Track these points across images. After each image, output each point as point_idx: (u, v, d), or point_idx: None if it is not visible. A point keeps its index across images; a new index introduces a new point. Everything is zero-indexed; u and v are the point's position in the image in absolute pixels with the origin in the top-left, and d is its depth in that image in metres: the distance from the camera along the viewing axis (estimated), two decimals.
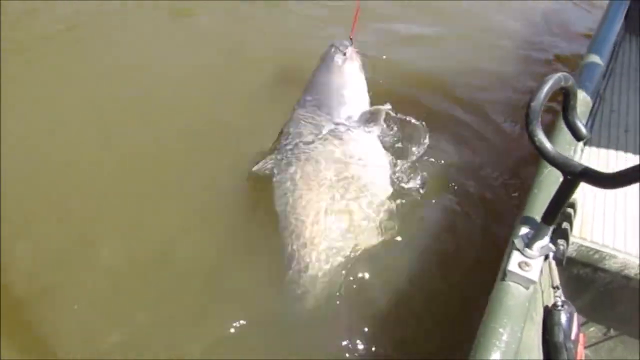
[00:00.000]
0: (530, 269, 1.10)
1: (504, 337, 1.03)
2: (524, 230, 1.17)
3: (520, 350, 1.20)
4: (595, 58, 1.94)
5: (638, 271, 1.50)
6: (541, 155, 1.01)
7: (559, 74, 1.01)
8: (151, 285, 1.78)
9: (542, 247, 1.12)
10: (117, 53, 2.97)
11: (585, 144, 1.83)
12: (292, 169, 1.88)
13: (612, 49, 2.18)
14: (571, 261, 1.59)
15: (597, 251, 1.52)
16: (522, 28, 3.60)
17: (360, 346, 1.64)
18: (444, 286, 1.80)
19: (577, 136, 1.08)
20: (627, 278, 1.53)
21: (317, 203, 1.81)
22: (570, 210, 1.43)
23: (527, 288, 1.11)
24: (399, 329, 1.70)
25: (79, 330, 1.69)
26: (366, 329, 1.67)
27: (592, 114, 1.92)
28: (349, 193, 1.84)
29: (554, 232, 1.41)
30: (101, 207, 2.06)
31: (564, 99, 1.07)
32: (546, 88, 0.98)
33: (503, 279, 1.13)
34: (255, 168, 1.90)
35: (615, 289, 1.59)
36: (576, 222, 1.56)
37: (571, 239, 1.53)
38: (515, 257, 1.13)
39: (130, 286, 1.78)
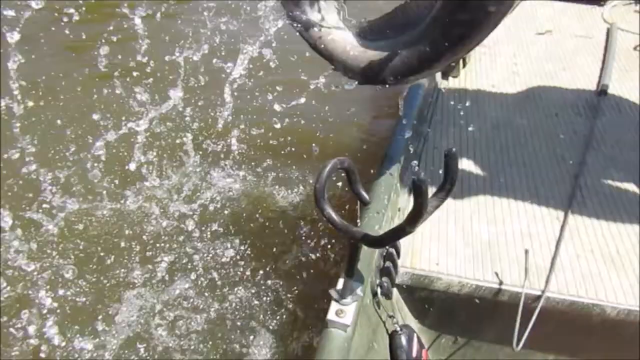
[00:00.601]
0: (344, 315, 1.34)
1: None
2: (341, 281, 1.41)
3: None
4: (413, 104, 2.28)
5: (460, 288, 1.80)
6: (331, 224, 1.26)
7: (335, 160, 1.27)
8: None
9: (353, 296, 1.37)
10: None
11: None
12: None
13: (432, 92, 2.57)
14: (411, 288, 1.87)
15: (425, 277, 1.81)
16: None
17: None
18: None
19: (362, 202, 1.35)
20: (455, 294, 1.83)
21: None
22: (392, 250, 1.71)
23: (345, 331, 1.35)
24: None
25: None
26: None
27: (418, 155, 2.25)
28: None
29: (380, 271, 1.68)
30: None
31: (347, 176, 1.33)
32: (325, 173, 1.24)
33: (326, 326, 1.36)
34: None
35: (451, 304, 1.89)
36: (409, 253, 1.85)
37: (404, 270, 1.81)
38: (333, 307, 1.37)
39: None
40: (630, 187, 2.15)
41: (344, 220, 1.23)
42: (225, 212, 2.49)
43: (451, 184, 1.07)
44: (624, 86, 2.85)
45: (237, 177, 2.68)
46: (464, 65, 2.86)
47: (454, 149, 1.04)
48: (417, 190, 0.97)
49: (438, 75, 2.73)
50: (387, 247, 1.71)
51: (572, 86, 2.85)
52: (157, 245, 2.33)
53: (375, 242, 1.20)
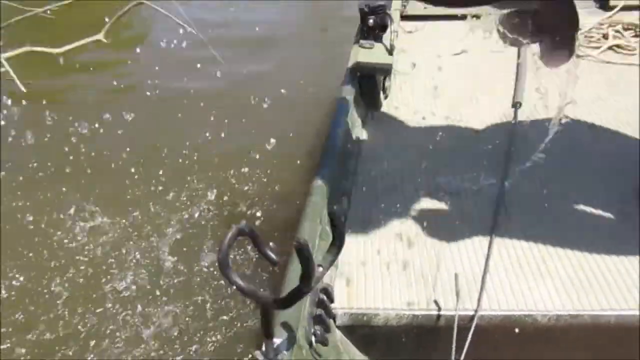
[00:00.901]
0: None
1: None
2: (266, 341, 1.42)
3: None
4: (335, 144, 2.34)
5: (398, 320, 1.83)
6: (238, 290, 1.28)
7: (234, 228, 1.29)
8: None
9: (278, 354, 1.38)
10: None
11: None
12: None
13: (355, 128, 2.65)
14: (352, 327, 1.89)
15: (364, 314, 1.83)
16: None
17: None
18: None
19: (272, 263, 1.38)
20: (395, 327, 1.86)
21: None
22: (323, 296, 1.74)
23: None
24: None
25: None
26: None
27: (347, 194, 2.31)
28: None
29: (313, 319, 1.70)
30: None
31: (252, 240, 1.36)
32: (226, 242, 1.25)
33: None
34: None
35: (394, 337, 1.91)
36: (344, 293, 1.88)
37: (342, 311, 1.83)
38: None
39: None
40: (551, 195, 2.24)
41: (250, 284, 1.26)
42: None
43: (340, 240, 1.12)
44: (538, 95, 3.00)
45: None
46: (386, 97, 2.97)
47: (335, 207, 1.09)
48: (300, 254, 1.02)
49: (361, 110, 2.83)
50: (318, 293, 1.73)
51: (491, 102, 2.98)
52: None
53: (279, 304, 1.23)
